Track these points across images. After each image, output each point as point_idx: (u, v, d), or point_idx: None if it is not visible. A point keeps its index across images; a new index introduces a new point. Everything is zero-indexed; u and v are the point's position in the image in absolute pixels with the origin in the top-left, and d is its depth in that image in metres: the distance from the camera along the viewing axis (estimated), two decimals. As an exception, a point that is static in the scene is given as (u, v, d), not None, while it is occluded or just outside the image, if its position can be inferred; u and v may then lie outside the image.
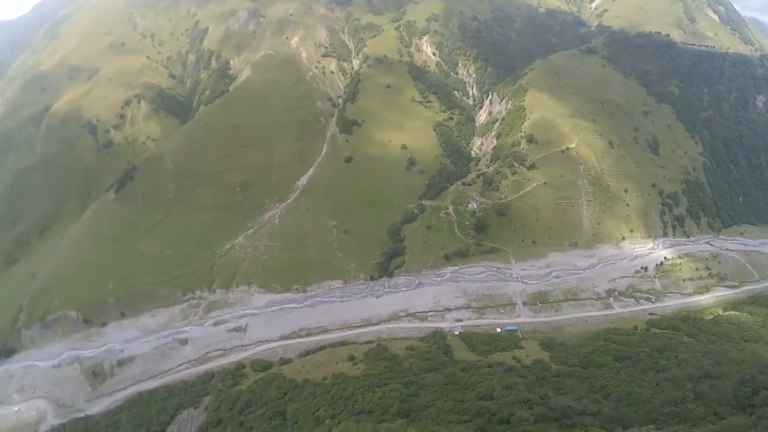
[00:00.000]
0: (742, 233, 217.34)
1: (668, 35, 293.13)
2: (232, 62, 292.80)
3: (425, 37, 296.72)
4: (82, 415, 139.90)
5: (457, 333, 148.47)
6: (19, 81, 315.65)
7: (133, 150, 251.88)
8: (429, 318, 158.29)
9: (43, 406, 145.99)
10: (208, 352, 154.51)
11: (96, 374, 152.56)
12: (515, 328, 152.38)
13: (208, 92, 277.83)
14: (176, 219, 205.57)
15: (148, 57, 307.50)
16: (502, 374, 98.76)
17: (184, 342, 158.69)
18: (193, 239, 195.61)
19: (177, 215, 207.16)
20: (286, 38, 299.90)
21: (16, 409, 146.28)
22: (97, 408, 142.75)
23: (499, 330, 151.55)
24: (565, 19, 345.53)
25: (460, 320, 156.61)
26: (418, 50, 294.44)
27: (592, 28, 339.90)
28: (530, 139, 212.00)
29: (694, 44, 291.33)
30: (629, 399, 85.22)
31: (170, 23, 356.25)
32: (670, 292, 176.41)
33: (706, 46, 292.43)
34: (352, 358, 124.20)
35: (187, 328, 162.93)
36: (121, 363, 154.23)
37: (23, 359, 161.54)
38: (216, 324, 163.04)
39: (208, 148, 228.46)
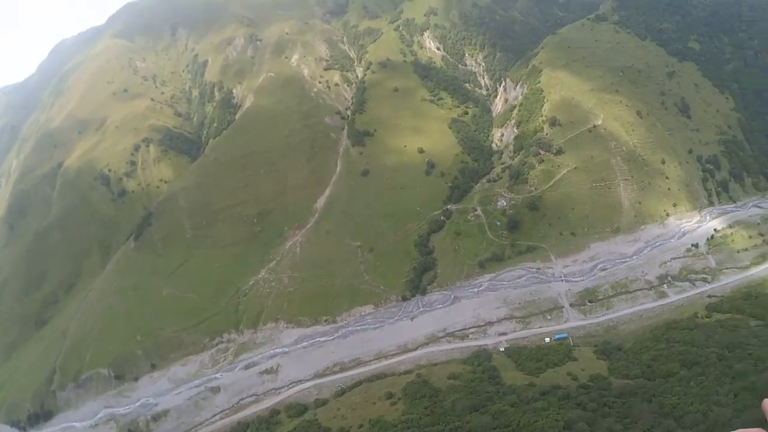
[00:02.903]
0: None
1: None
2: (234, 91, 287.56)
3: (426, 33, 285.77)
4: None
5: (502, 349, 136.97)
6: (32, 140, 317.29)
7: (148, 195, 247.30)
8: (470, 335, 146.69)
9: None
10: (241, 399, 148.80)
11: (132, 431, 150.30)
12: (565, 335, 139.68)
13: (215, 125, 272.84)
14: (197, 259, 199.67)
15: (152, 99, 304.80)
16: (557, 405, 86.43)
17: (216, 390, 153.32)
18: (216, 279, 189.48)
19: (197, 255, 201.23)
20: (286, 58, 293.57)
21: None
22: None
23: (548, 340, 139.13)
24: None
25: (504, 334, 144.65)
26: (421, 47, 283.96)
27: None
28: (553, 122, 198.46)
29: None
30: (706, 421, 72.54)
31: (170, 62, 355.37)
32: (726, 268, 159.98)
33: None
34: (390, 395, 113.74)
35: (218, 375, 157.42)
36: (156, 418, 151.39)
37: (61, 421, 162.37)
38: (247, 367, 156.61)
39: (221, 182, 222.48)
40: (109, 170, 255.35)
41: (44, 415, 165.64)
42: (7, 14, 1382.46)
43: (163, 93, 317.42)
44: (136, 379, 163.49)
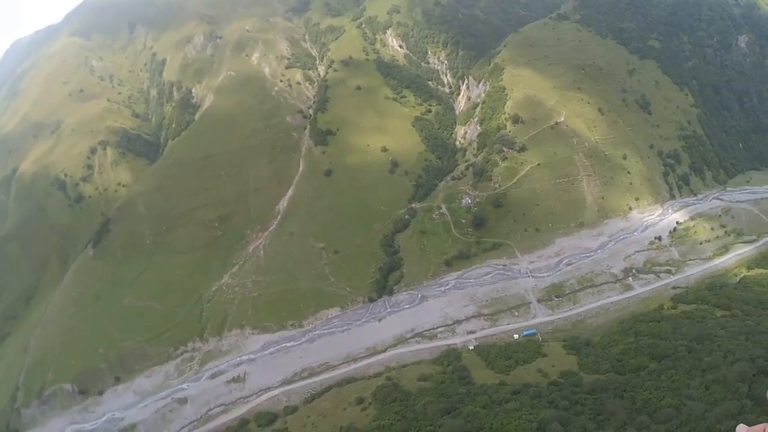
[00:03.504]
0: (748, 181, 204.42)
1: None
2: (194, 90, 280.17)
3: (389, 31, 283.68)
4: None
5: (471, 348, 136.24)
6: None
7: (106, 200, 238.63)
8: (439, 335, 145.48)
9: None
10: (209, 410, 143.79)
11: None
12: (534, 331, 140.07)
13: (174, 126, 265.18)
14: (158, 266, 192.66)
15: (108, 99, 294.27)
16: (529, 405, 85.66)
17: (183, 401, 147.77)
18: (178, 286, 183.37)
19: (158, 262, 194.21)
20: (246, 56, 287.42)
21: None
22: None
23: (516, 336, 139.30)
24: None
25: (472, 332, 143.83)
26: (384, 45, 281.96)
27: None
28: (516, 120, 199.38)
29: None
30: (680, 416, 72.40)
31: (127, 60, 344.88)
32: (690, 260, 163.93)
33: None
34: (360, 400, 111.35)
35: (184, 386, 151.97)
36: None
37: None
38: (213, 377, 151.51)
39: (180, 185, 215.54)
40: (66, 175, 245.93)
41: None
42: (7, 14, 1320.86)
43: (120, 93, 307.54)
44: (100, 393, 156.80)
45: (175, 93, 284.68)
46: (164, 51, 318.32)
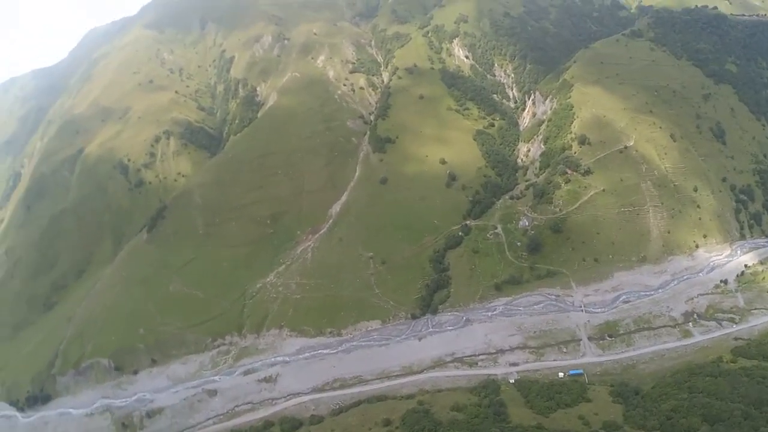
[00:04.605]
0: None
1: (716, 8, 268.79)
2: (258, 89, 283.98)
3: (456, 41, 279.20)
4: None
5: (512, 381, 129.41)
6: (56, 125, 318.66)
7: (165, 187, 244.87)
8: (479, 363, 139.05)
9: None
10: (236, 406, 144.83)
11: (126, 426, 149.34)
12: (581, 371, 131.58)
13: (236, 122, 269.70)
14: (207, 257, 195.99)
15: (176, 92, 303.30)
16: (566, 458, 78.99)
17: (213, 393, 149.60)
18: (224, 278, 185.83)
19: (207, 253, 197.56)
20: (312, 58, 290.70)
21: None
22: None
23: (561, 375, 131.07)
24: (602, 3, 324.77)
25: (515, 364, 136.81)
26: (450, 55, 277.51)
27: (633, 10, 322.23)
28: (582, 141, 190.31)
29: (744, 15, 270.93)
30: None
31: (197, 56, 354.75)
32: (755, 308, 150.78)
33: (757, 15, 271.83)
34: (387, 422, 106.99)
35: (216, 378, 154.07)
36: (150, 414, 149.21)
37: (58, 406, 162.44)
38: (246, 373, 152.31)
39: (237, 181, 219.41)
40: (129, 160, 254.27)
41: (43, 398, 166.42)
42: (8, 14, 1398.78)
43: (188, 86, 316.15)
44: (135, 372, 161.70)
45: (240, 90, 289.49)
46: (233, 49, 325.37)
